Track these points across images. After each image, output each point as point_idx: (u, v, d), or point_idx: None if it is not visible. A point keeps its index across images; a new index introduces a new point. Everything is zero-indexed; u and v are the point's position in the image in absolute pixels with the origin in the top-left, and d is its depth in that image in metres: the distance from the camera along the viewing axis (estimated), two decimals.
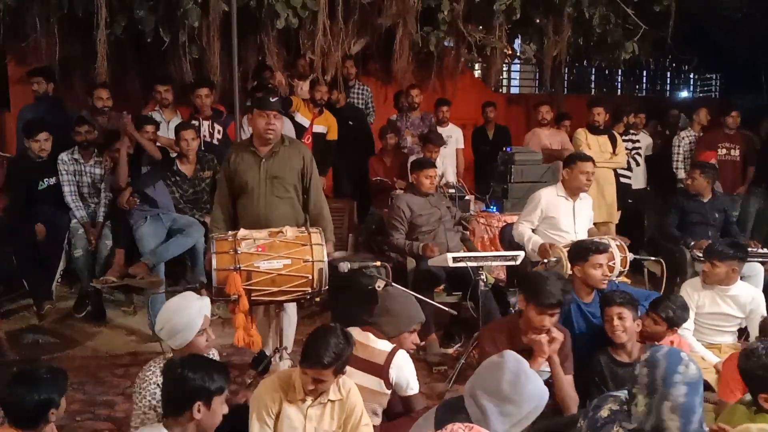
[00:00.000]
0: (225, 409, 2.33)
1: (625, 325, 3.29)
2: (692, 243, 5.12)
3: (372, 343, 3.03)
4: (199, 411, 2.22)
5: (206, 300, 2.89)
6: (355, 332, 2.94)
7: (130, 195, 4.89)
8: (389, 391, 2.98)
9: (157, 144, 5.30)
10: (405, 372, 3.02)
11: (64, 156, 5.08)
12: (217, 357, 3.03)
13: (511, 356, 2.20)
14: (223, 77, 6.17)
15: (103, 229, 5.03)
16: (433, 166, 5.07)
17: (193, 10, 5.62)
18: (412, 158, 6.24)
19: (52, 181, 5.08)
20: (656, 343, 3.38)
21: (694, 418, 1.94)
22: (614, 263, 4.23)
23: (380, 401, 2.98)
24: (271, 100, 3.75)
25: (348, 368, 2.77)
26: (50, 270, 4.97)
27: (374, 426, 2.86)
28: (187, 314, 2.75)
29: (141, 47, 6.14)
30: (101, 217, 5.10)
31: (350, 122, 6.69)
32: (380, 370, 2.95)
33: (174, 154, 5.19)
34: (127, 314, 5.21)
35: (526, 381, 2.13)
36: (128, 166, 5.01)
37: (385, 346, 3.04)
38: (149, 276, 4.57)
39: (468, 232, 5.41)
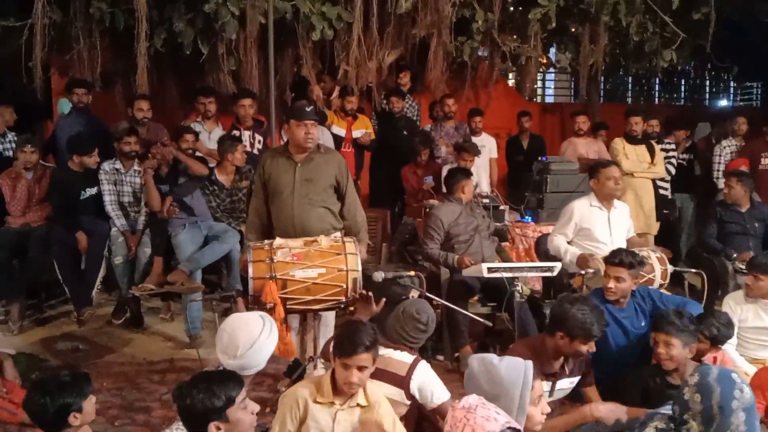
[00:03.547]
0: (254, 409, 2.28)
1: (671, 353, 3.16)
2: (734, 255, 4.99)
3: (388, 353, 2.96)
4: (218, 428, 2.17)
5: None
6: None
7: (171, 203, 4.98)
8: (409, 403, 2.92)
9: (198, 154, 5.40)
10: (428, 384, 2.93)
11: (105, 166, 5.19)
12: None
13: (473, 360, 2.24)
14: (259, 88, 6.26)
15: (142, 237, 5.12)
16: (471, 174, 5.07)
17: (230, 22, 5.72)
18: (446, 168, 6.24)
19: (94, 191, 5.18)
20: (701, 360, 3.30)
21: None
22: (654, 276, 4.16)
23: (399, 411, 2.90)
24: (306, 109, 3.78)
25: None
26: (90, 277, 5.07)
27: None
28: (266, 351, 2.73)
29: (180, 59, 6.27)
30: (141, 225, 5.19)
31: (405, 132, 6.71)
32: (401, 381, 2.89)
33: (213, 164, 5.28)
34: (164, 321, 5.29)
35: (497, 370, 2.16)
36: (167, 174, 5.14)
37: (405, 357, 2.97)
38: (188, 283, 4.63)
39: (508, 243, 5.37)
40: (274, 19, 5.26)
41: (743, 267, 4.48)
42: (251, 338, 2.66)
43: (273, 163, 3.86)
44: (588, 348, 3.10)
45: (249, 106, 5.75)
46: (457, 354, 4.51)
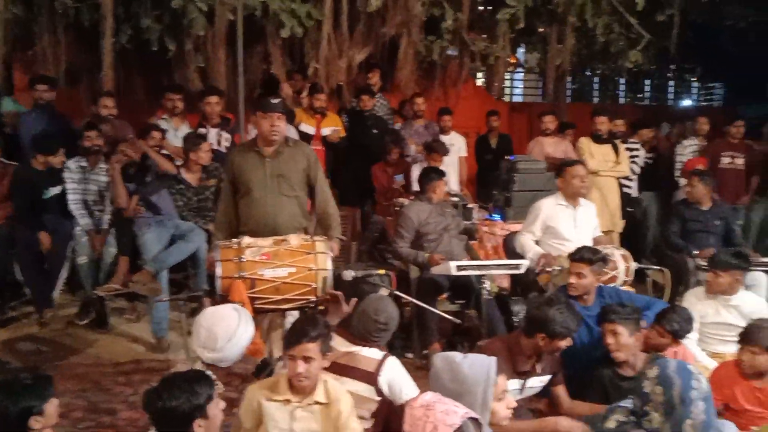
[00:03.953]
0: (222, 405, 2.33)
1: (620, 342, 3.23)
2: (696, 252, 5.10)
3: (357, 350, 2.96)
4: (200, 426, 2.22)
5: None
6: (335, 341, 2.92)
7: (136, 203, 4.91)
8: (379, 399, 2.92)
9: (164, 152, 5.33)
10: (397, 379, 2.94)
11: (70, 164, 5.10)
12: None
13: (437, 359, 2.28)
14: (228, 86, 6.21)
15: (107, 236, 5.04)
16: (444, 175, 5.08)
17: (198, 19, 5.68)
18: (415, 167, 6.27)
19: (57, 190, 5.08)
20: (660, 354, 3.37)
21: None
22: (618, 272, 4.24)
23: (369, 407, 2.93)
24: (273, 102, 3.73)
25: (335, 376, 2.77)
26: (53, 278, 4.98)
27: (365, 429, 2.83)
28: (243, 342, 2.80)
29: (146, 56, 6.18)
30: (106, 224, 5.11)
31: (375, 130, 6.71)
32: (370, 377, 2.90)
33: (179, 163, 5.22)
34: (130, 321, 5.22)
35: (461, 368, 2.20)
36: (134, 173, 5.06)
37: (374, 353, 2.98)
38: (152, 283, 4.58)
39: (477, 241, 5.41)
40: (243, 16, 5.22)
41: (704, 264, 4.58)
42: (229, 331, 2.75)
43: (242, 160, 3.82)
44: (566, 343, 3.15)
45: (216, 103, 5.69)
46: (426, 351, 4.54)
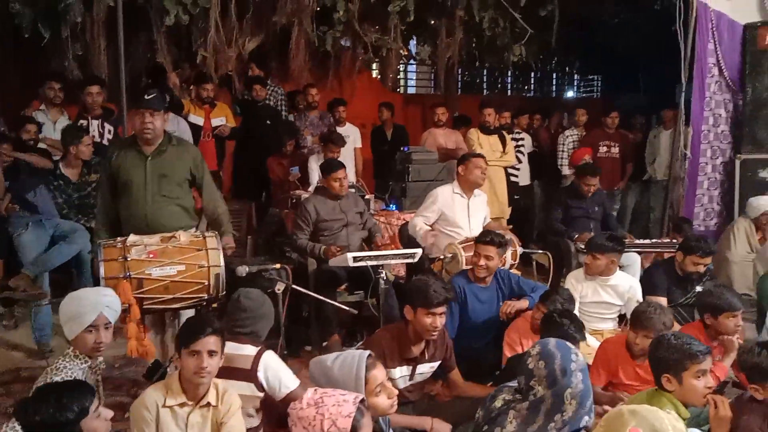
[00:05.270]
0: (107, 415, 2.21)
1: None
2: (576, 236, 5.42)
3: (233, 350, 2.87)
4: None
5: (110, 299, 2.77)
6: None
7: (9, 201, 4.58)
8: (262, 394, 2.87)
9: (41, 146, 5.02)
10: (274, 371, 2.88)
11: None
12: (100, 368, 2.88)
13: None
14: (110, 75, 5.91)
15: None
16: (342, 167, 4.96)
17: (75, 4, 5.34)
18: (312, 158, 6.24)
19: None
20: None
21: (588, 402, 2.13)
22: (505, 256, 4.45)
23: (254, 404, 2.89)
24: (146, 97, 3.57)
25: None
26: None
27: (252, 428, 2.81)
28: (81, 304, 2.67)
29: (18, 43, 5.76)
30: None
31: (268, 121, 6.57)
32: (248, 374, 2.84)
33: (57, 157, 4.92)
34: (7, 328, 4.89)
35: (331, 371, 2.26)
36: (7, 169, 4.71)
37: (248, 350, 2.90)
38: (32, 288, 4.30)
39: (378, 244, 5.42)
40: (123, 1, 4.96)
41: (583, 247, 4.88)
42: (86, 290, 2.78)
43: (121, 156, 3.65)
44: (432, 322, 3.15)
45: (97, 93, 5.42)
46: (325, 343, 4.55)
